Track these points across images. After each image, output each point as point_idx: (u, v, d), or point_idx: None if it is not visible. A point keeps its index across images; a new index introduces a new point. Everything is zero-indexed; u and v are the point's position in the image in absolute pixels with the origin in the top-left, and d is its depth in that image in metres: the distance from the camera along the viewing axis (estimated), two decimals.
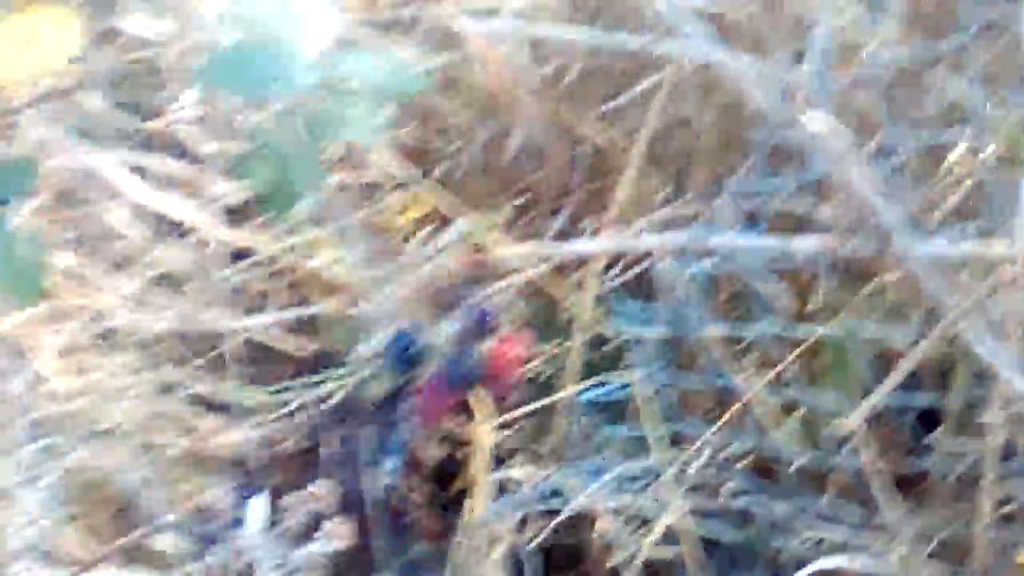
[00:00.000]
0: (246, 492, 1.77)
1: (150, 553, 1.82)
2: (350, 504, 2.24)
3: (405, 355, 0.92)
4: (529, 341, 0.95)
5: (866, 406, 1.19)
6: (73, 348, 1.84)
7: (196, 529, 1.71)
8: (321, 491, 1.45)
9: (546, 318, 1.93)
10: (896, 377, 1.18)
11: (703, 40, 1.13)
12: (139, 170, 1.73)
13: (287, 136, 0.93)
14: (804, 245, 1.25)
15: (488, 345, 0.94)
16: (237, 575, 1.65)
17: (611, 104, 2.00)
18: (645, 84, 1.72)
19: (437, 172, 2.17)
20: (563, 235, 2.11)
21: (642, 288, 1.90)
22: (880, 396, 1.18)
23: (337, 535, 1.46)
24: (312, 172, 0.93)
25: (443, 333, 0.95)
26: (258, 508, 1.67)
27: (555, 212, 2.15)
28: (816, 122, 1.16)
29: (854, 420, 1.20)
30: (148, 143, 1.81)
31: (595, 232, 2.05)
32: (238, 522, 1.71)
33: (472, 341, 0.94)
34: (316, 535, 1.53)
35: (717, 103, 1.87)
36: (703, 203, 1.61)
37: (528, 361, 0.96)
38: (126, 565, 1.74)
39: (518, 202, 2.28)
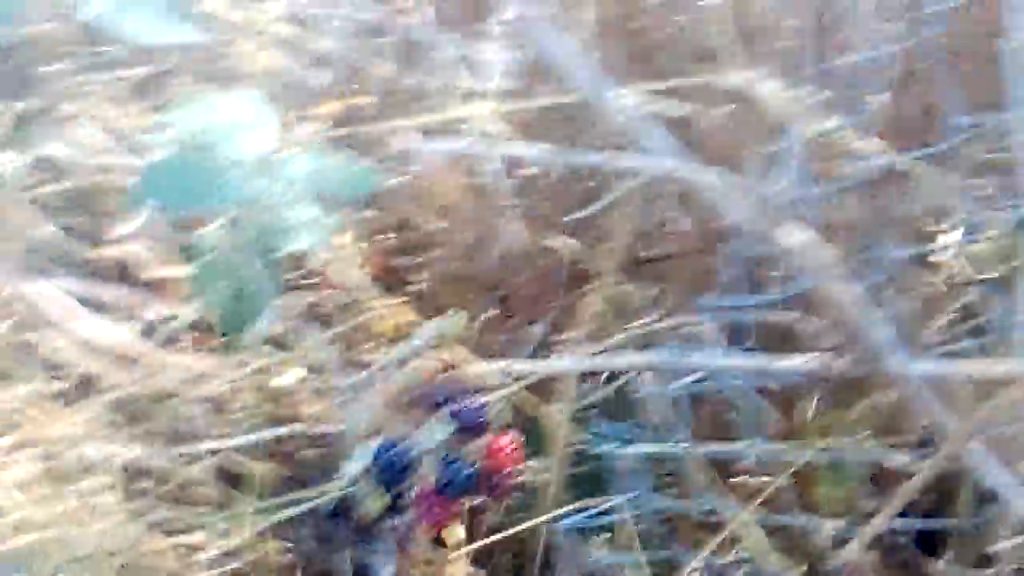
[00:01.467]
0: None
1: None
2: None
3: (394, 467, 0.86)
4: (516, 438, 0.89)
5: (867, 534, 1.12)
6: (33, 480, 1.78)
7: None
8: None
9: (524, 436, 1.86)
10: (897, 503, 1.11)
11: (669, 154, 1.07)
12: (87, 299, 1.68)
13: (236, 250, 0.87)
14: (790, 365, 1.18)
15: (481, 445, 0.88)
16: None
17: (580, 213, 1.95)
18: (616, 193, 1.67)
19: (410, 281, 2.13)
20: (543, 346, 2.05)
21: (621, 405, 1.84)
22: (881, 523, 1.11)
23: None
24: (267, 287, 0.87)
25: (431, 438, 0.88)
26: None
27: (533, 322, 2.10)
28: (793, 236, 1.10)
29: (854, 550, 1.12)
30: (97, 270, 1.76)
31: (569, 345, 2.00)
32: None
33: (463, 443, 0.88)
34: None
35: (693, 209, 1.82)
36: (683, 315, 1.55)
37: (521, 459, 0.89)
38: None
39: (496, 311, 2.23)
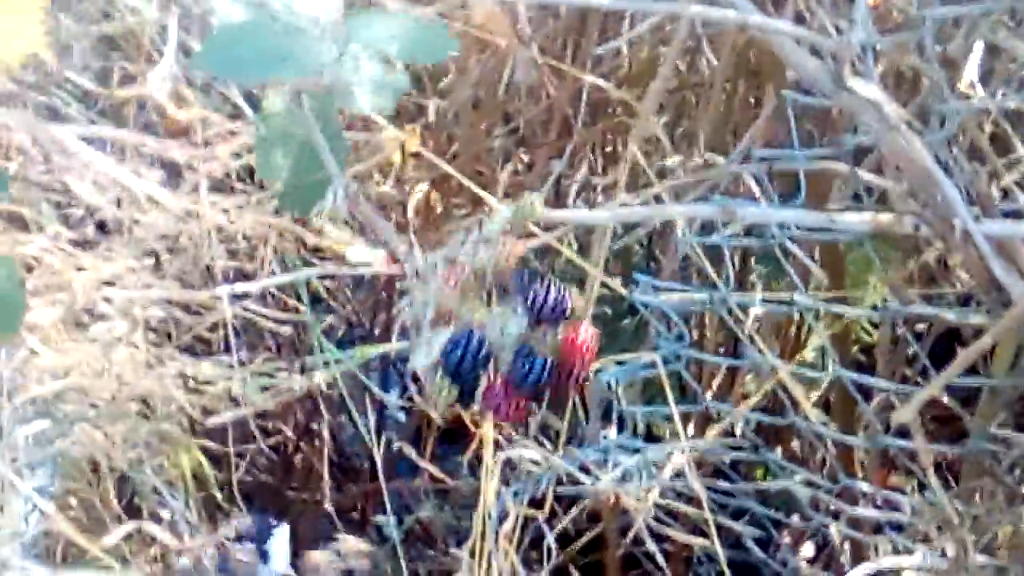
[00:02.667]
0: (267, 523, 1.72)
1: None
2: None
3: (465, 360, 0.83)
4: (591, 329, 0.86)
5: (922, 396, 1.10)
6: (62, 325, 1.76)
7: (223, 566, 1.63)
8: (350, 545, 1.37)
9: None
10: (958, 367, 1.09)
11: (740, 3, 1.03)
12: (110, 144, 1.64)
13: (299, 122, 0.83)
14: (853, 222, 1.15)
15: (556, 336, 0.85)
16: None
17: (608, 45, 1.91)
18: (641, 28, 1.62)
19: (432, 108, 2.10)
20: (564, 177, 2.03)
21: (658, 254, 1.83)
22: (939, 386, 1.09)
23: None
24: (339, 157, 0.83)
25: (504, 329, 0.85)
26: (282, 542, 1.60)
27: (551, 156, 2.07)
28: (869, 89, 1.06)
29: (908, 412, 1.11)
30: (120, 113, 1.73)
31: (604, 192, 1.97)
32: (264, 555, 1.65)
33: (538, 334, 0.85)
34: None
35: (728, 52, 1.78)
36: (724, 167, 1.51)
37: (595, 351, 0.86)
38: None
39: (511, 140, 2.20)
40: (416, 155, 2.10)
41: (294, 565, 1.77)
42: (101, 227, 1.85)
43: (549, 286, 0.86)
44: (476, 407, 0.86)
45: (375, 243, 1.42)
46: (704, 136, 1.82)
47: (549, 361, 0.84)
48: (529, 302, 0.85)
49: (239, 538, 1.68)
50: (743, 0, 1.06)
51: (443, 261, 0.86)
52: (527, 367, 0.84)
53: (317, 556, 1.46)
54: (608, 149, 2.13)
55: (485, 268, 0.85)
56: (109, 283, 1.79)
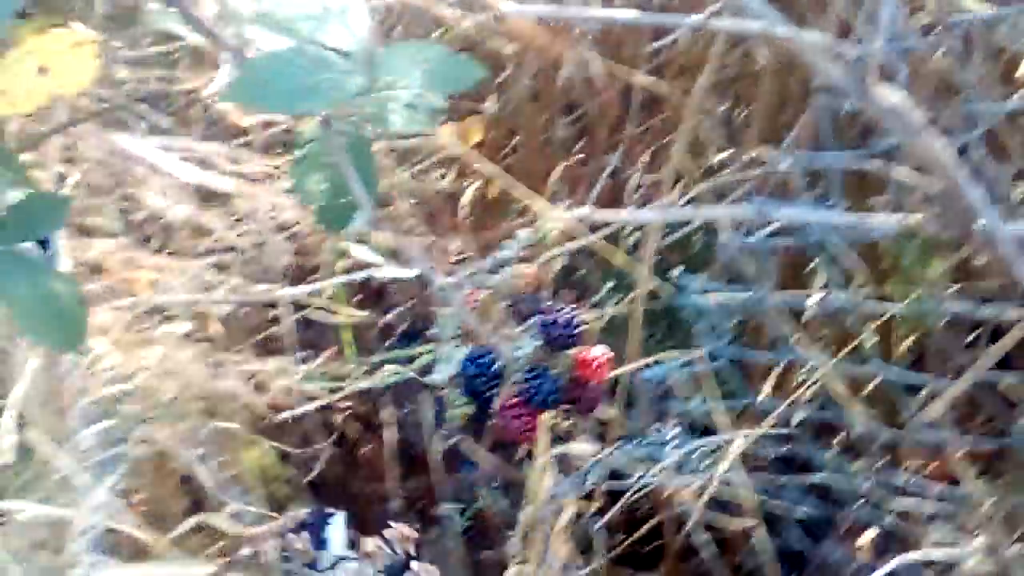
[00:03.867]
0: (324, 513, 1.76)
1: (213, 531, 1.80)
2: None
3: (481, 378, 0.87)
4: (608, 349, 0.90)
5: (952, 391, 1.12)
6: (127, 326, 1.82)
7: (281, 553, 1.68)
8: (404, 531, 1.42)
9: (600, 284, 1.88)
10: (985, 362, 1.11)
11: (767, 13, 1.05)
12: (175, 150, 1.69)
13: (333, 148, 0.87)
14: (882, 222, 1.18)
15: (571, 357, 0.89)
16: None
17: (659, 43, 1.93)
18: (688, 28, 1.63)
19: (490, 102, 2.13)
20: (616, 173, 2.05)
21: (702, 254, 1.85)
22: (968, 381, 1.11)
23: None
24: (368, 183, 0.87)
25: (519, 349, 0.89)
26: (338, 529, 1.65)
27: (606, 150, 2.10)
28: (892, 96, 1.08)
29: (940, 407, 1.13)
30: (184, 120, 1.77)
31: (650, 191, 2.00)
32: (321, 543, 1.70)
33: (552, 354, 0.89)
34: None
35: (774, 54, 1.79)
36: (765, 167, 1.53)
37: (608, 372, 0.90)
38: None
39: (570, 133, 2.24)
40: (479, 145, 2.15)
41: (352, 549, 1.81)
42: (165, 229, 1.90)
43: (560, 309, 0.89)
44: (492, 423, 0.90)
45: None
46: (756, 128, 1.84)
47: (561, 380, 0.88)
48: (542, 324, 0.88)
49: (299, 527, 1.73)
50: (769, 10, 1.08)
51: (465, 282, 0.89)
52: (539, 386, 0.87)
53: (370, 543, 1.50)
54: (663, 143, 2.15)
55: (502, 290, 0.89)
56: (173, 283, 1.84)
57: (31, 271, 0.88)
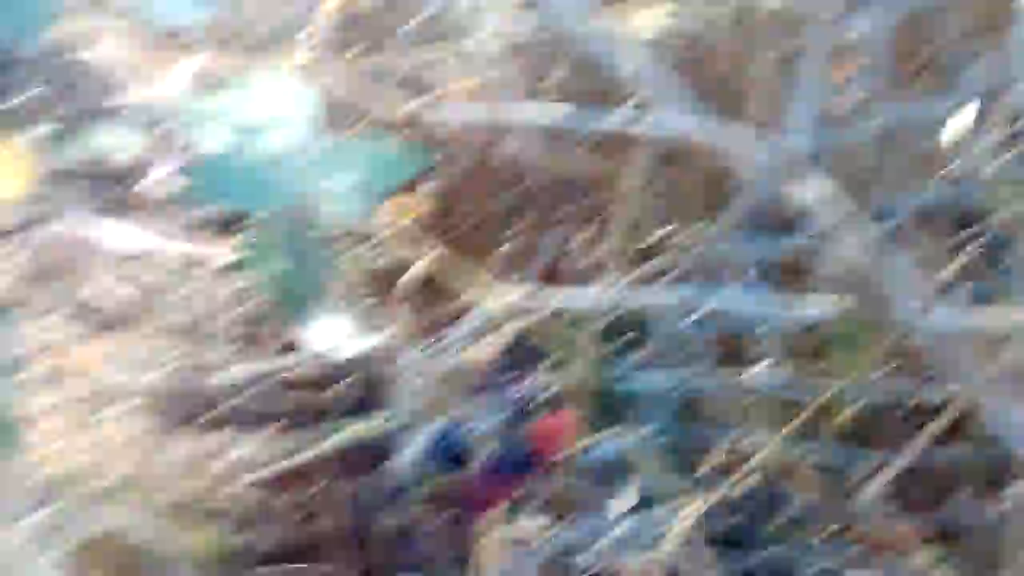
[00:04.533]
0: None
1: None
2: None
3: (450, 452, 0.89)
4: (571, 416, 0.92)
5: (889, 472, 1.14)
6: (69, 410, 1.82)
7: None
8: None
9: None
10: (919, 443, 1.13)
11: (684, 112, 1.07)
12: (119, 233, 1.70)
13: (285, 240, 0.89)
14: (811, 307, 1.20)
15: (533, 427, 0.91)
16: None
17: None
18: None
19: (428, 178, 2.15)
20: (557, 249, 2.07)
21: (642, 336, 1.87)
22: (904, 461, 1.14)
23: None
24: (320, 270, 0.89)
25: (487, 422, 0.91)
26: None
27: (546, 228, 2.12)
28: (811, 190, 1.11)
29: (876, 487, 1.15)
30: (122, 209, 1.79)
31: (588, 272, 2.02)
32: None
33: (518, 424, 0.91)
34: None
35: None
36: (700, 248, 1.56)
37: (574, 437, 0.92)
38: None
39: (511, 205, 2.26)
40: (417, 221, 2.17)
41: None
42: (109, 309, 1.91)
43: (521, 381, 0.91)
44: (464, 493, 0.91)
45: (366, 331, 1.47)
46: (692, 205, 1.86)
47: (528, 449, 0.90)
48: (505, 397, 0.90)
49: None
50: (689, 114, 1.10)
51: (428, 357, 0.91)
52: (508, 456, 0.89)
53: None
54: (601, 220, 2.17)
55: (464, 365, 0.91)
56: (117, 362, 1.85)
57: None
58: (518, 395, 0.91)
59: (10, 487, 1.68)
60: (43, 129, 0.91)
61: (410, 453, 0.92)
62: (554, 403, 0.94)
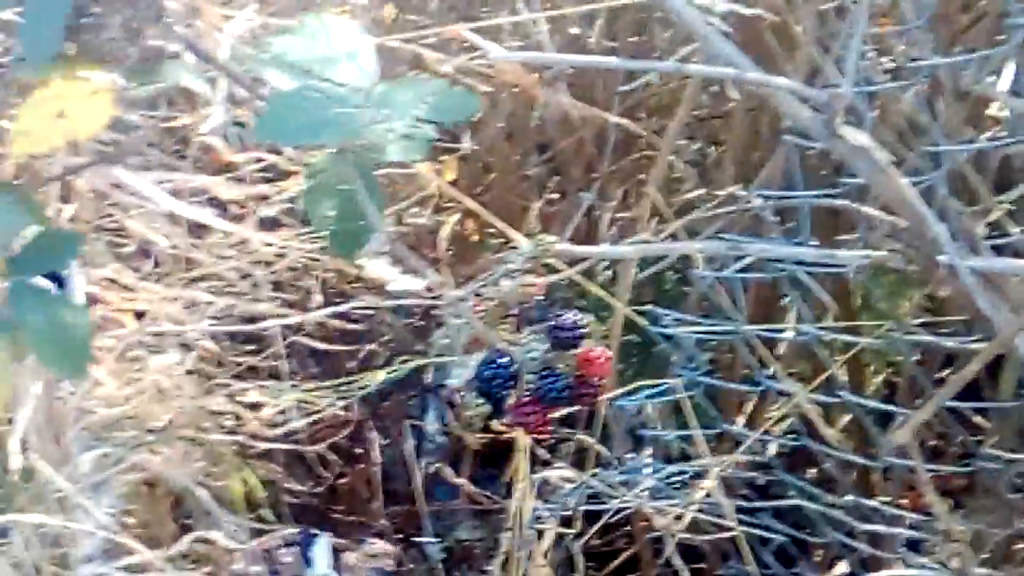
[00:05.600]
0: (310, 533, 1.82)
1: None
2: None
3: (496, 380, 0.93)
4: (607, 350, 0.96)
5: (917, 419, 1.18)
6: (120, 354, 1.86)
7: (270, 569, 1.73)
8: (385, 547, 1.47)
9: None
10: (950, 390, 1.17)
11: (736, 59, 1.11)
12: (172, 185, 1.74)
13: (342, 176, 0.93)
14: (851, 258, 1.24)
15: (574, 357, 0.95)
16: None
17: (632, 84, 1.99)
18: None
19: (465, 140, 2.19)
20: (591, 210, 2.11)
21: (676, 288, 1.90)
22: (933, 408, 1.17)
23: None
24: (378, 207, 0.93)
25: (529, 353, 0.95)
26: (323, 548, 1.70)
27: (583, 185, 2.16)
28: (859, 137, 1.14)
29: (906, 433, 1.19)
30: (178, 154, 1.83)
31: (624, 227, 2.06)
32: (307, 561, 1.75)
33: (558, 356, 0.95)
34: None
35: (745, 94, 1.85)
36: (737, 204, 1.59)
37: (610, 369, 0.96)
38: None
39: (546, 168, 2.30)
40: (453, 183, 2.20)
41: (335, 569, 1.87)
42: (155, 263, 1.95)
43: (565, 314, 0.95)
44: (506, 420, 0.96)
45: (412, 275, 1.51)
46: (728, 165, 1.89)
47: (569, 378, 0.94)
48: (550, 328, 0.94)
49: (285, 545, 1.78)
50: (740, 55, 1.14)
51: (473, 293, 0.96)
52: (550, 384, 0.93)
53: (351, 558, 1.56)
54: (639, 177, 2.21)
55: (509, 299, 0.95)
56: (164, 312, 1.89)
57: (46, 302, 0.94)
58: (565, 326, 0.95)
59: (65, 428, 1.73)
60: (114, 71, 0.94)
61: (459, 380, 0.97)
62: (594, 339, 0.98)
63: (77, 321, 0.92)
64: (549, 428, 0.96)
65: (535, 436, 1.13)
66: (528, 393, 0.94)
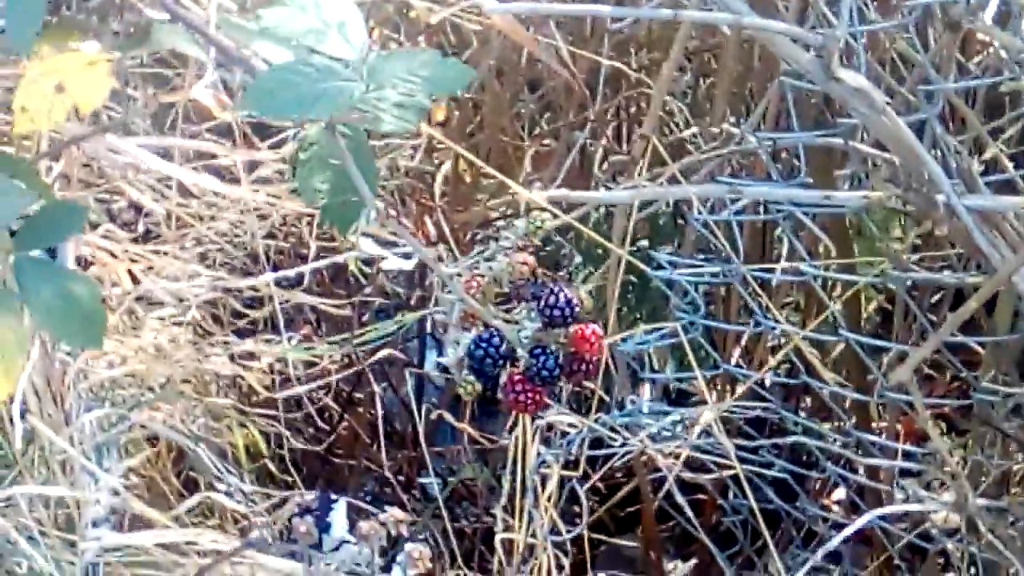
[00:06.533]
0: (328, 499, 1.83)
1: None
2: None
3: (488, 358, 0.94)
4: (600, 327, 0.97)
5: (916, 357, 1.19)
6: (116, 314, 1.86)
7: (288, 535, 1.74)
8: (397, 514, 1.48)
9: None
10: (948, 328, 1.18)
11: (732, 3, 1.11)
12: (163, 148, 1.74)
13: (334, 149, 0.92)
14: (847, 197, 1.24)
15: (567, 334, 0.96)
16: None
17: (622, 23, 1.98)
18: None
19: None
20: (584, 150, 2.11)
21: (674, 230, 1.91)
22: (931, 347, 1.18)
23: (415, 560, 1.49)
24: (370, 182, 0.93)
25: (522, 330, 0.96)
26: (341, 514, 1.71)
27: (575, 125, 2.15)
28: (855, 79, 1.14)
29: (905, 372, 1.20)
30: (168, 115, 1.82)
31: (618, 167, 2.06)
32: (325, 527, 1.77)
33: (551, 333, 0.96)
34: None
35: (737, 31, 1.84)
36: (732, 144, 1.59)
37: (603, 346, 0.97)
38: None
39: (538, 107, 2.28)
40: (443, 124, 2.19)
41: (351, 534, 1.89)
42: (148, 221, 1.95)
43: (559, 291, 0.95)
44: (499, 398, 0.96)
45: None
46: (720, 102, 1.89)
47: (561, 356, 0.94)
48: (542, 305, 0.94)
49: (304, 511, 1.80)
50: (737, 1, 1.14)
51: (465, 270, 0.96)
52: (542, 362, 0.93)
53: (365, 526, 1.57)
54: (631, 114, 2.20)
55: (501, 276, 0.95)
56: (158, 272, 1.89)
57: (52, 274, 0.94)
58: (558, 304, 0.95)
59: (64, 389, 1.73)
60: (102, 40, 0.93)
61: (451, 358, 0.97)
62: (588, 313, 0.98)
63: (87, 293, 0.92)
64: (543, 406, 0.96)
65: (529, 414, 1.14)
66: (520, 372, 0.94)
